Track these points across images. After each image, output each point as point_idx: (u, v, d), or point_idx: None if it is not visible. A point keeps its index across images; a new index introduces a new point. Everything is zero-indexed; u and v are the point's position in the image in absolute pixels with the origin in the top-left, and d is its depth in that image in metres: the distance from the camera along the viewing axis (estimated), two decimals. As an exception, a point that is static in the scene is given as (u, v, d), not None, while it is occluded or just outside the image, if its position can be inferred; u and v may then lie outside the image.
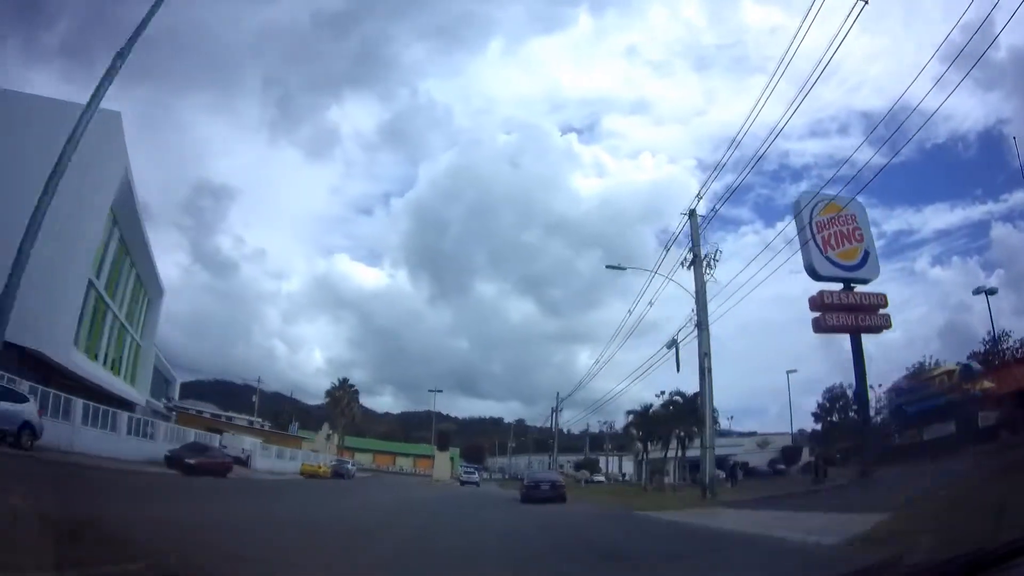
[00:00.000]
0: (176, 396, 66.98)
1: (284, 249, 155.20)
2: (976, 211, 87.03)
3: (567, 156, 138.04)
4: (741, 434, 77.88)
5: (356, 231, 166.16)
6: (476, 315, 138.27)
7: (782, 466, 50.22)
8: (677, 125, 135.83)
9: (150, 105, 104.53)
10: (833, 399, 48.38)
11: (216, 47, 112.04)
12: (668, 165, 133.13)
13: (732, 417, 70.21)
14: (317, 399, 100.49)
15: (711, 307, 21.43)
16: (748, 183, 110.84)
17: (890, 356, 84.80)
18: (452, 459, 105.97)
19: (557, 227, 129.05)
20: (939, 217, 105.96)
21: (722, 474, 52.97)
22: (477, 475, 62.56)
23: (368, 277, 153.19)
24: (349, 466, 53.31)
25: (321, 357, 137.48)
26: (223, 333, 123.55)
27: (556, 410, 56.62)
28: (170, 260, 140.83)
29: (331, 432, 73.35)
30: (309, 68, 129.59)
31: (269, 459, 45.94)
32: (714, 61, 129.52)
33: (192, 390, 75.42)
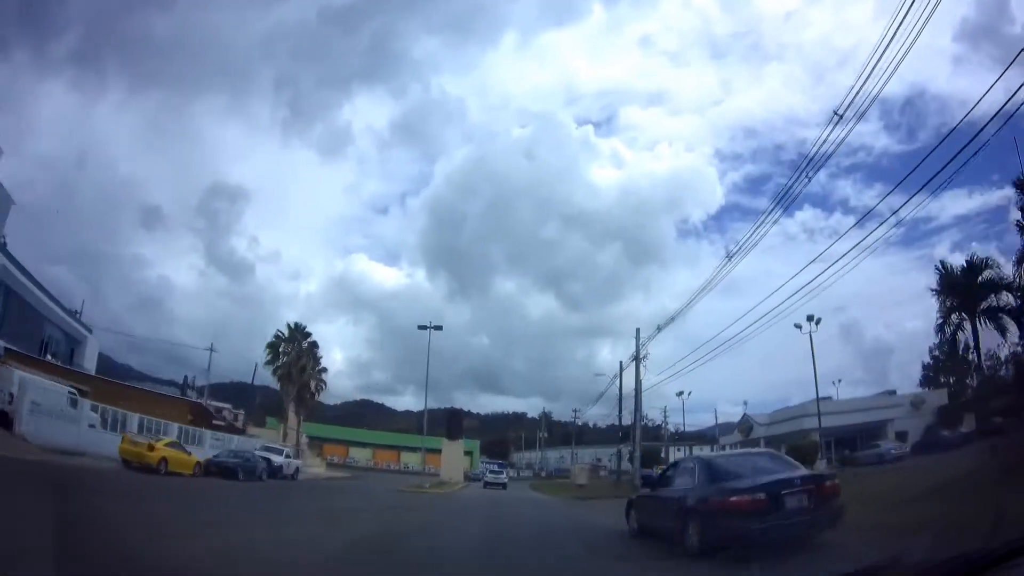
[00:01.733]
0: (90, 363, 43.87)
1: (301, 250, 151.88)
2: (994, 196, 77.68)
3: (585, 149, 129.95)
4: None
5: (373, 231, 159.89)
6: (496, 312, 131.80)
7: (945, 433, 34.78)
8: (694, 115, 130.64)
9: (163, 110, 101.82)
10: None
11: (226, 49, 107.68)
12: (686, 154, 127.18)
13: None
14: (336, 399, 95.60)
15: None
16: (767, 173, 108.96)
17: (915, 346, 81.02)
18: (470, 454, 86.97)
19: (576, 221, 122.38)
20: (957, 203, 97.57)
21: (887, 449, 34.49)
22: (505, 474, 47.05)
23: (386, 277, 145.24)
24: (277, 458, 29.79)
25: (341, 358, 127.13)
26: (240, 335, 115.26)
27: (638, 357, 32.65)
28: (185, 263, 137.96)
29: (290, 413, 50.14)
30: (320, 66, 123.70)
31: (72, 423, 22.29)
32: (729, 49, 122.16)
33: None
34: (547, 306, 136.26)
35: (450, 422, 54.08)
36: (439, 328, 32.43)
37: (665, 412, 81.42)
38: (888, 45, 11.57)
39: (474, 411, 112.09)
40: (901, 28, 11.11)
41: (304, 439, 54.42)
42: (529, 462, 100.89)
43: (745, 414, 51.14)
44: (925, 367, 42.48)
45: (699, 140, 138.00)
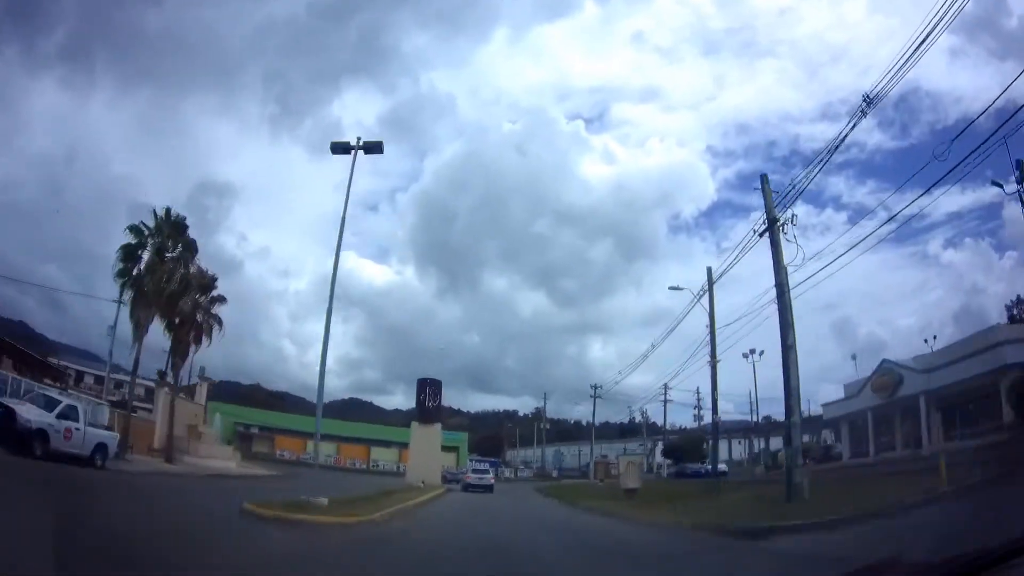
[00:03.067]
0: None
1: (290, 247, 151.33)
2: (988, 193, 68.20)
3: (576, 145, 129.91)
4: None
5: (363, 227, 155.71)
6: (486, 309, 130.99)
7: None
8: (687, 111, 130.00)
9: (152, 107, 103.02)
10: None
11: (216, 45, 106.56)
12: (677, 149, 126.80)
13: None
14: (326, 397, 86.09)
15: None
16: (758, 170, 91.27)
17: (908, 341, 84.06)
18: (456, 450, 71.96)
19: (567, 216, 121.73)
20: (950, 199, 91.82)
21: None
22: (492, 472, 39.01)
23: (376, 274, 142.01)
24: (29, 414, 13.19)
25: (331, 356, 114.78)
26: (230, 334, 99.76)
27: (772, 222, 15.88)
28: None
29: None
30: (309, 62, 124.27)
31: None
32: (723, 45, 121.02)
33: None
34: (538, 303, 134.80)
35: (421, 396, 37.30)
36: (376, 150, 15.36)
37: (698, 395, 65.58)
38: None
39: (464, 409, 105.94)
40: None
41: (200, 415, 37.47)
42: (525, 460, 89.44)
43: (885, 361, 33.23)
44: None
45: (691, 136, 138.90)
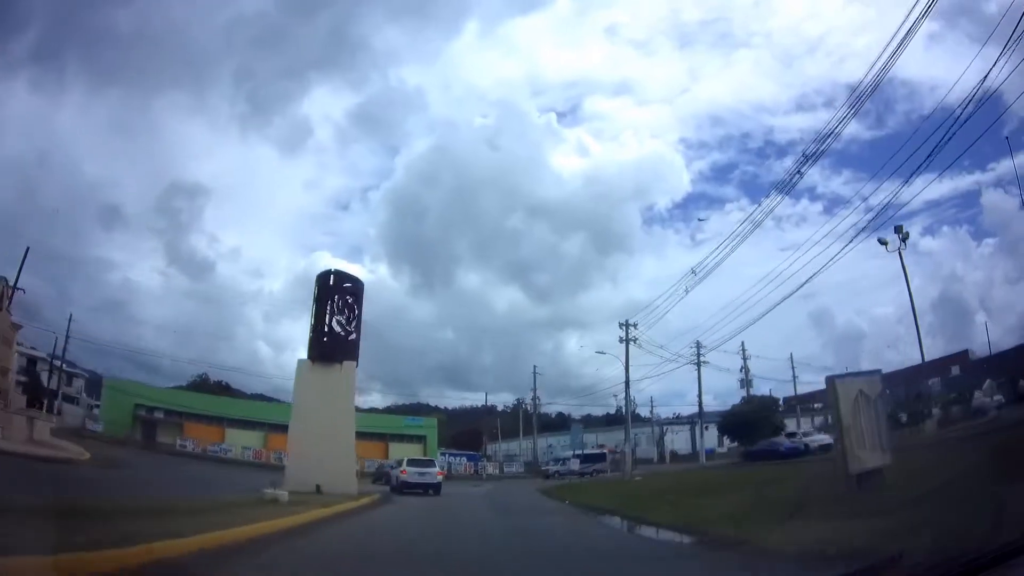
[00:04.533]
0: None
1: (263, 248, 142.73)
2: (965, 180, 79.78)
3: (549, 139, 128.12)
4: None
5: (335, 227, 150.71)
6: (461, 305, 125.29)
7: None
8: (661, 104, 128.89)
9: (121, 109, 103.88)
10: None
11: (184, 45, 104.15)
12: (651, 141, 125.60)
13: None
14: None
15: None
16: (733, 161, 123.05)
17: (885, 330, 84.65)
18: (423, 440, 65.23)
19: (542, 211, 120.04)
20: (928, 188, 75.20)
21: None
22: (437, 468, 29.87)
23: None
24: None
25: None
26: (205, 336, 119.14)
27: None
28: (146, 266, 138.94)
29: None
30: (277, 58, 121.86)
31: None
32: (697, 38, 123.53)
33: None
34: (513, 298, 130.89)
35: (321, 311, 19.92)
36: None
37: (743, 353, 49.44)
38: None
39: (441, 406, 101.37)
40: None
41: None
42: (509, 453, 78.86)
43: None
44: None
45: (665, 128, 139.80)
